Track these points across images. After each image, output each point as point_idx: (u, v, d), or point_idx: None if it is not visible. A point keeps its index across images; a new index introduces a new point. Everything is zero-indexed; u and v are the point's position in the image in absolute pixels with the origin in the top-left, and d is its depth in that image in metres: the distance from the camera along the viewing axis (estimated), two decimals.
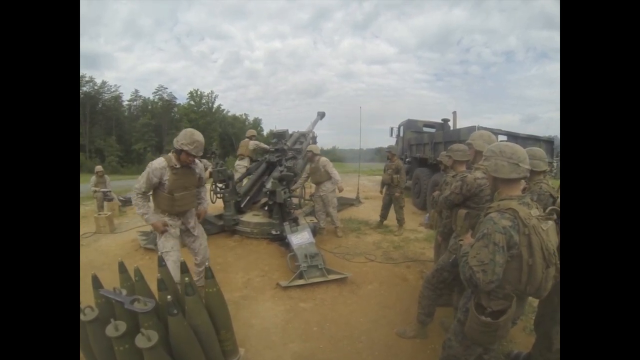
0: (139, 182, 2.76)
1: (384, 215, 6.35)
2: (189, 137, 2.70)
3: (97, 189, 7.53)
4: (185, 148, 2.70)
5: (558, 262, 1.59)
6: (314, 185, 6.14)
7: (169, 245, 2.84)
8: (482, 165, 2.01)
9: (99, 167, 8.08)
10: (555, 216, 1.68)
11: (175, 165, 2.79)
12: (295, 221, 4.87)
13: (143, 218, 2.84)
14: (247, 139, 7.15)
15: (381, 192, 6.40)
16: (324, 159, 5.56)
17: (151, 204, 2.92)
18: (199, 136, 2.76)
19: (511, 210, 1.58)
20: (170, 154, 2.83)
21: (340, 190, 5.74)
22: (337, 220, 5.77)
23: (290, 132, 6.95)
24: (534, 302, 2.76)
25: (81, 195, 8.86)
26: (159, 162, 2.75)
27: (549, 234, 1.59)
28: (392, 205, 6.17)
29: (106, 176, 7.94)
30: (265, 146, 6.85)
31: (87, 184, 7.88)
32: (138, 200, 2.79)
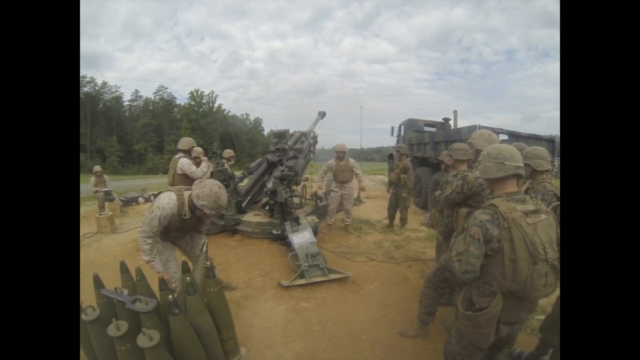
0: (149, 225, 2.39)
1: (391, 215, 6.32)
2: (213, 201, 2.37)
3: (97, 189, 7.54)
4: (207, 211, 2.41)
5: (553, 259, 1.58)
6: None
7: (164, 259, 2.64)
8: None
9: (97, 167, 8.05)
10: (548, 211, 1.69)
11: (185, 215, 2.49)
12: (296, 221, 4.87)
13: (149, 264, 2.45)
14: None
15: (388, 191, 6.40)
16: (352, 160, 5.78)
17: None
18: (223, 200, 2.44)
19: (492, 206, 1.64)
20: (184, 198, 2.47)
21: (363, 189, 6.26)
22: (351, 218, 6.02)
23: (291, 131, 6.94)
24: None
25: (82, 195, 8.89)
26: (171, 208, 2.42)
27: (538, 228, 1.58)
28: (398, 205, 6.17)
29: (105, 176, 7.94)
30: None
31: (87, 185, 7.88)
32: (146, 245, 2.41)
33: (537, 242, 1.54)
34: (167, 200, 2.43)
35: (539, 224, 1.59)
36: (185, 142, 5.17)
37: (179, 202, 2.45)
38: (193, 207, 2.46)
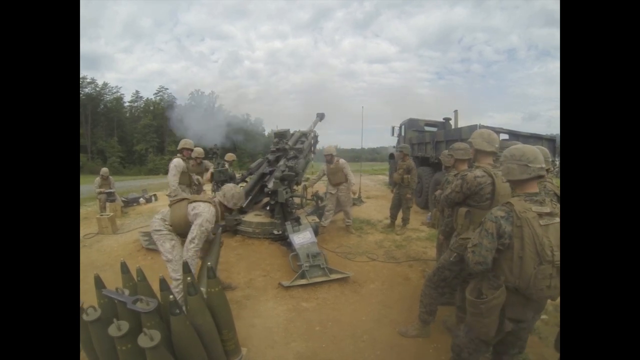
0: (199, 242, 2.67)
1: (393, 216, 6.32)
2: (241, 197, 3.10)
3: (101, 189, 7.53)
4: (240, 205, 3.18)
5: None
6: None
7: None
8: (492, 167, 2.06)
9: (104, 170, 7.90)
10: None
11: (218, 221, 2.93)
12: (297, 221, 4.87)
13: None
14: None
15: (392, 191, 6.41)
16: (342, 161, 5.69)
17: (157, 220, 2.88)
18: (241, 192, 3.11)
19: (508, 204, 1.69)
20: (217, 204, 2.93)
21: (354, 194, 6.05)
22: (351, 218, 5.96)
23: (291, 131, 6.94)
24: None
25: (84, 196, 8.90)
26: (213, 218, 2.77)
27: (549, 230, 1.61)
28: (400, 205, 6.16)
29: (110, 177, 7.90)
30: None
31: (90, 185, 7.86)
32: (196, 257, 2.71)
33: (545, 243, 1.58)
34: (210, 213, 2.76)
35: (551, 227, 1.63)
36: (181, 142, 5.23)
37: (216, 212, 2.85)
38: (224, 210, 3.02)
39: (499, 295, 1.67)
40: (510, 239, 1.64)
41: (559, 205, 1.73)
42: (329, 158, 5.64)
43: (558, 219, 1.65)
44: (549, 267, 1.58)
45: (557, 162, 5.96)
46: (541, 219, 1.62)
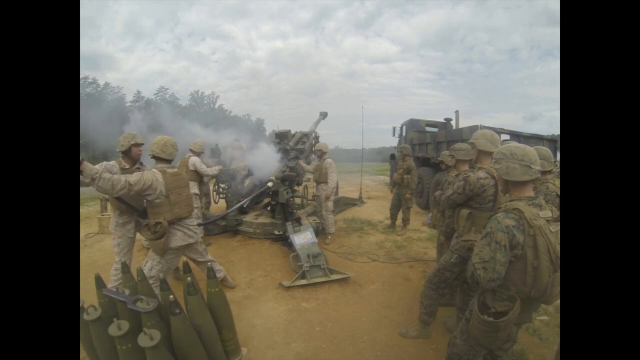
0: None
1: (393, 216, 6.31)
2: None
3: None
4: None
5: None
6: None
7: None
8: (493, 168, 2.02)
9: None
10: None
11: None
12: (297, 221, 4.87)
13: None
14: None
15: (391, 191, 6.40)
16: (329, 160, 5.38)
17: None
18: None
19: (517, 211, 1.58)
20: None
21: (327, 198, 5.34)
22: (330, 226, 5.43)
23: (292, 132, 6.94)
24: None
25: (85, 196, 8.92)
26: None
27: (559, 236, 1.56)
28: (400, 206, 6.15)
29: None
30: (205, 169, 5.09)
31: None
32: None
33: (558, 250, 1.53)
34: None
35: (559, 233, 1.57)
36: (198, 145, 5.26)
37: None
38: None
39: (517, 309, 1.57)
40: (523, 249, 1.55)
41: (557, 210, 1.70)
42: (319, 153, 5.53)
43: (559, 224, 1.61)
44: None
45: (559, 163, 5.94)
46: (550, 225, 1.56)
